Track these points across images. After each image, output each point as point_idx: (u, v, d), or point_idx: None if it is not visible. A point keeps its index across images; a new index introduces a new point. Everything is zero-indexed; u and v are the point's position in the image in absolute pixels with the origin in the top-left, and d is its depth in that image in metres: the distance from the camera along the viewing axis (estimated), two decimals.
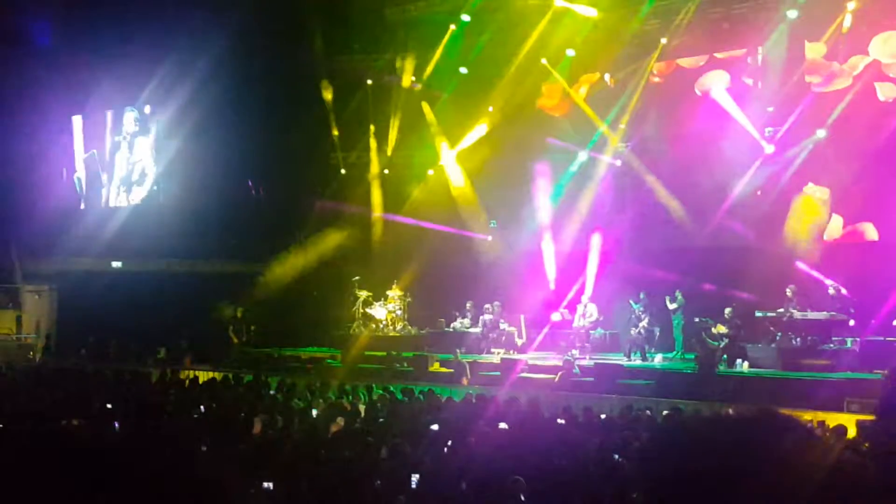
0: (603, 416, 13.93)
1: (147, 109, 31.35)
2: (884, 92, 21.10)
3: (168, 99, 29.96)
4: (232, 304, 26.77)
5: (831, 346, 18.87)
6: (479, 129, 26.28)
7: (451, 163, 27.22)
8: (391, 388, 17.58)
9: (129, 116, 31.81)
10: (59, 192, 32.95)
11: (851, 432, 12.25)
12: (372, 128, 28.74)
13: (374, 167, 28.98)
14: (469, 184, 27.12)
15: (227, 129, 28.20)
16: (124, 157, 32.01)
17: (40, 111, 31.06)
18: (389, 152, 28.42)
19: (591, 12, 23.18)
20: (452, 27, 25.54)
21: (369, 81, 28.26)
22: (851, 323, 18.99)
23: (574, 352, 21.34)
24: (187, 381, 19.44)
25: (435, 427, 11.70)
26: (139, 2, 28.11)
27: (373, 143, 28.88)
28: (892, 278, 18.63)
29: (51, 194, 32.37)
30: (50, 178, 32.78)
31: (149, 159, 31.36)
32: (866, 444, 9.98)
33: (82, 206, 32.94)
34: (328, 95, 28.40)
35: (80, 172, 33.14)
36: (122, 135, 31.99)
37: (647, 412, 14.05)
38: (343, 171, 29.24)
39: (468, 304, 24.59)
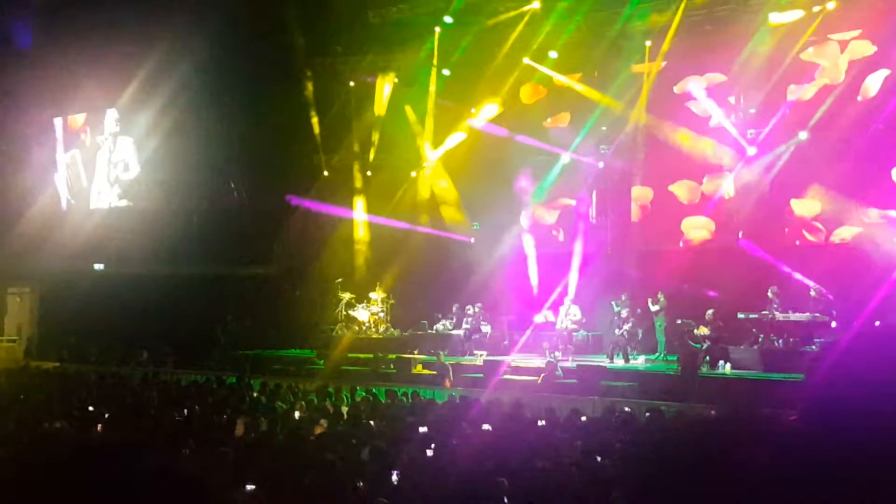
0: (584, 418, 13.95)
1: (128, 110, 31.21)
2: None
3: (149, 99, 29.85)
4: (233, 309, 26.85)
5: (813, 347, 18.92)
6: (461, 132, 26.34)
7: (434, 165, 27.26)
8: (374, 390, 17.58)
9: (111, 117, 31.67)
10: (41, 193, 32.79)
11: None
12: (354, 129, 28.74)
13: (357, 169, 28.94)
14: (452, 186, 27.18)
15: (209, 130, 28.14)
16: (105, 158, 31.85)
17: (21, 112, 30.91)
18: (372, 155, 28.42)
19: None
20: (437, 30, 25.57)
21: (352, 83, 28.26)
22: (833, 325, 19.07)
23: (557, 353, 21.37)
24: (170, 384, 19.38)
25: (423, 429, 11.70)
26: (119, 2, 27.98)
27: (356, 145, 28.86)
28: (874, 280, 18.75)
29: (32, 195, 32.22)
30: (31, 179, 32.60)
31: (130, 160, 31.22)
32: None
33: (64, 208, 32.77)
34: (311, 97, 28.38)
35: (62, 173, 32.98)
36: (104, 135, 31.83)
37: (629, 414, 14.09)
38: (326, 173, 29.16)
39: (454, 308, 24.58)
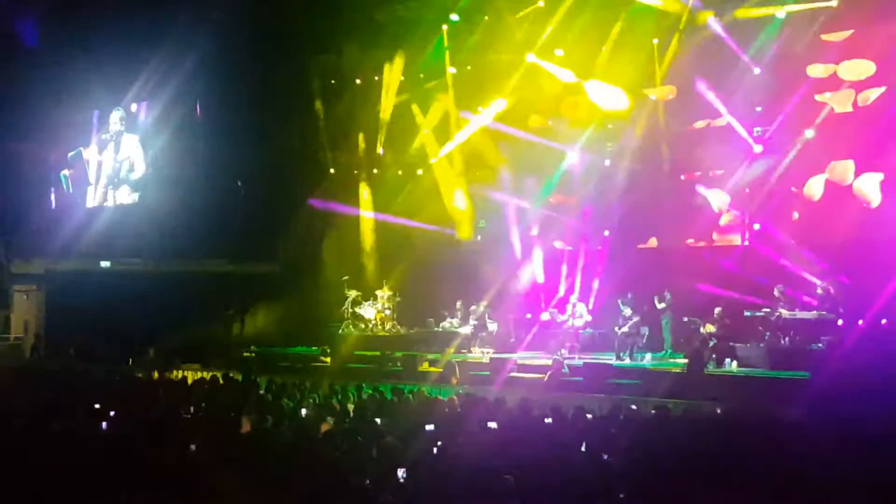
0: (590, 416, 13.92)
1: (133, 108, 31.25)
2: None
3: (155, 98, 29.92)
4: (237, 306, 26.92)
5: (819, 345, 18.85)
6: (469, 128, 26.30)
7: (441, 162, 27.28)
8: (381, 388, 17.57)
9: (116, 115, 31.68)
10: (46, 191, 32.85)
11: None
12: (360, 127, 28.78)
13: (363, 167, 28.99)
14: (459, 183, 27.19)
15: (214, 128, 28.18)
16: (111, 156, 31.89)
17: (26, 110, 30.92)
18: (379, 148, 28.44)
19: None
20: (444, 27, 25.52)
21: (358, 81, 28.29)
22: (840, 322, 19.00)
23: (563, 351, 21.39)
24: (177, 381, 19.40)
25: (429, 427, 11.68)
26: (126, 1, 28.00)
27: (362, 143, 28.92)
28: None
29: (38, 193, 32.27)
30: (36, 177, 32.65)
31: (136, 158, 31.25)
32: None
33: (69, 206, 32.79)
34: (317, 94, 28.43)
35: (67, 171, 33.02)
36: (109, 133, 31.85)
37: (636, 412, 14.06)
38: (332, 171, 29.21)
39: (458, 304, 24.60)
